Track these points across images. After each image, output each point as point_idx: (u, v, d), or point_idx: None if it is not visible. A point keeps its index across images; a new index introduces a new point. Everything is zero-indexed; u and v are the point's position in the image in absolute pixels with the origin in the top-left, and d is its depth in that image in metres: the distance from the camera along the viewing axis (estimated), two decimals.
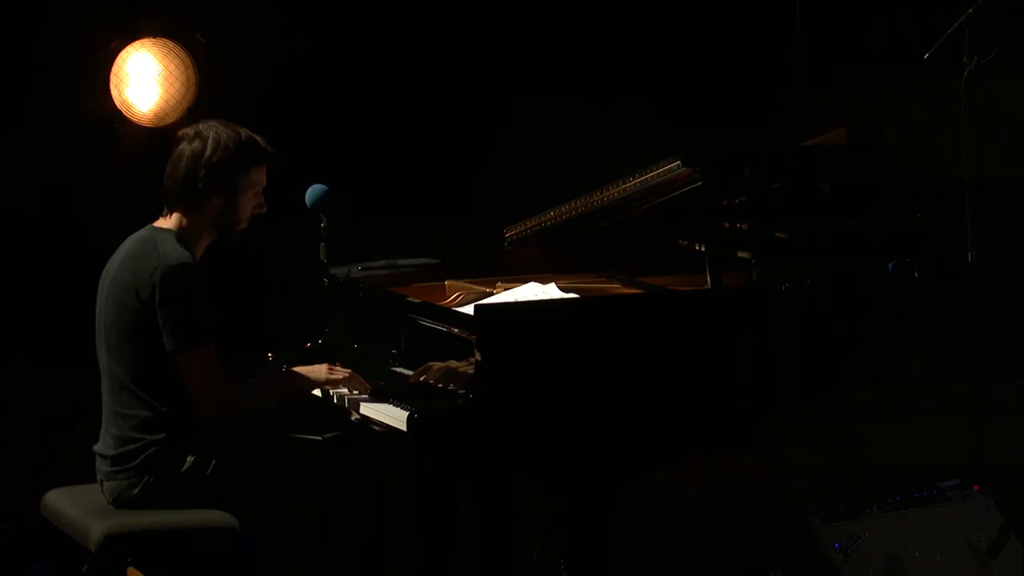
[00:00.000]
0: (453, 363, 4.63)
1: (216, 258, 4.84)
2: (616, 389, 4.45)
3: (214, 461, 4.63)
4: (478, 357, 4.38)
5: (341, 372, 4.82)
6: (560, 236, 5.22)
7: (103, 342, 4.72)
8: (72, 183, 6.83)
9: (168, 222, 4.75)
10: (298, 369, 4.86)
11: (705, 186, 4.71)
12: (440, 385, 4.65)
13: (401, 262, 5.39)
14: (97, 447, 4.74)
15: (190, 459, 4.62)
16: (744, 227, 4.97)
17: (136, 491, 4.63)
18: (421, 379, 4.71)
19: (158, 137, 6.86)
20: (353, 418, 4.72)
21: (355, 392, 4.81)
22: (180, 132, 4.77)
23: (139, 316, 4.60)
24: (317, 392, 4.88)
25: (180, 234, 4.71)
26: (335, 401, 4.83)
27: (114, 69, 6.90)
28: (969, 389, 5.16)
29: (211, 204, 4.72)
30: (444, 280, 5.28)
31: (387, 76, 7.23)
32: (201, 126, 4.74)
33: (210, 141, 4.69)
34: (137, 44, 6.93)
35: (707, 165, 4.70)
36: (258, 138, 4.77)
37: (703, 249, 4.73)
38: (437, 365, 4.67)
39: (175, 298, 4.57)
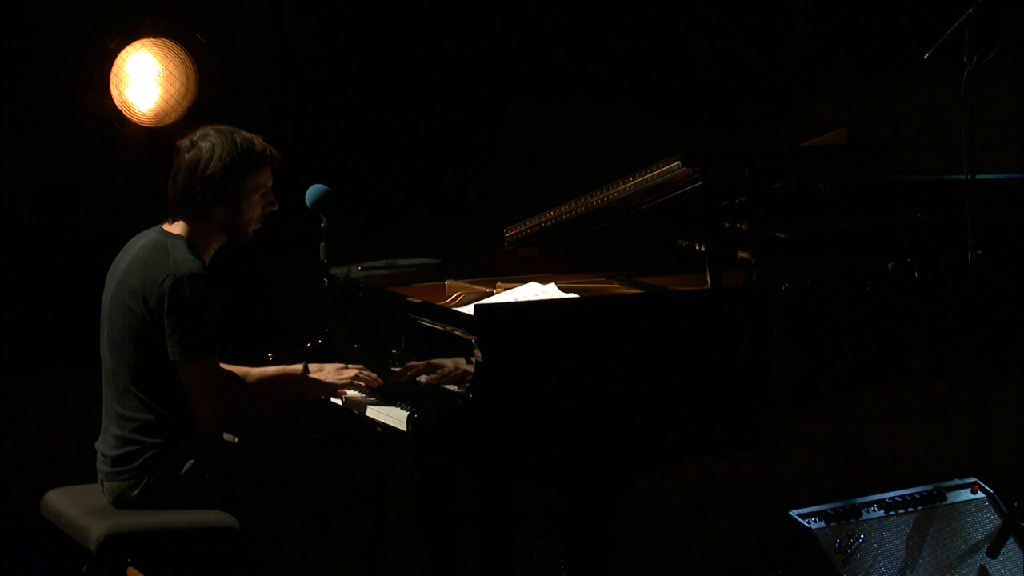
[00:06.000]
0: (461, 362, 4.64)
1: (216, 258, 4.84)
2: (616, 389, 4.45)
3: (213, 465, 4.63)
4: (478, 357, 4.38)
5: (350, 372, 4.82)
6: (560, 236, 5.22)
7: (108, 342, 4.71)
8: (72, 183, 6.83)
9: (176, 227, 4.70)
10: (313, 375, 4.86)
11: (705, 186, 4.71)
12: (440, 384, 4.66)
13: (401, 262, 5.39)
14: (98, 444, 4.73)
15: (189, 463, 4.62)
16: (744, 227, 4.97)
17: (136, 492, 4.62)
18: (406, 376, 4.74)
19: (158, 137, 6.87)
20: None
21: (360, 393, 4.81)
22: (177, 143, 4.70)
23: (145, 322, 4.59)
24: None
25: (189, 240, 4.67)
26: (342, 404, 4.82)
27: (114, 69, 6.91)
28: (969, 389, 5.15)
29: (214, 213, 4.67)
30: (444, 280, 5.28)
31: (387, 77, 7.24)
32: (197, 135, 4.67)
33: (204, 151, 4.63)
34: (137, 44, 6.95)
35: (707, 165, 4.69)
36: (256, 140, 4.69)
37: (703, 249, 4.73)
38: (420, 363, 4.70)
39: (183, 309, 4.55)
